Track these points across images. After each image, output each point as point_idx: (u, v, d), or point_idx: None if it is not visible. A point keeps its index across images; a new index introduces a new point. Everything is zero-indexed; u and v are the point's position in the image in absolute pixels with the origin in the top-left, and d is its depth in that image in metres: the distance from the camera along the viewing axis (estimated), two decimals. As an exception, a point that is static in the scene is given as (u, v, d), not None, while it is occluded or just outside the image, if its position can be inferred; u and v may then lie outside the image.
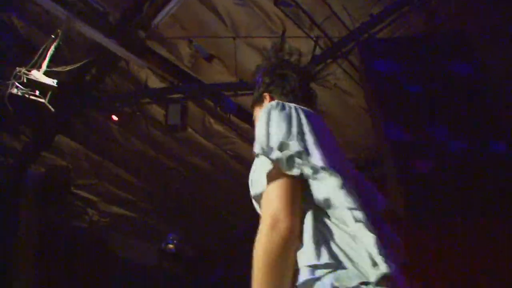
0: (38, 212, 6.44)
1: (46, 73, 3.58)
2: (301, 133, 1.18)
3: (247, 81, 4.88)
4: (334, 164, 1.12)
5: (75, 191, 7.39)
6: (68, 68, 4.13)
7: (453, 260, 5.67)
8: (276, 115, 1.25)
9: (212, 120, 6.25)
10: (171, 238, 8.07)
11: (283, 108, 1.30)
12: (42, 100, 3.47)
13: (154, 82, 5.33)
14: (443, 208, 3.42)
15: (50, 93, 3.51)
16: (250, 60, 4.75)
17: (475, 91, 3.41)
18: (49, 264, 6.69)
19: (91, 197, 7.59)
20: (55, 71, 3.86)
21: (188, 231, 8.46)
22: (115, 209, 7.95)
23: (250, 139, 6.52)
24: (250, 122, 5.67)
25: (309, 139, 1.17)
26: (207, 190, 7.03)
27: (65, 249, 7.25)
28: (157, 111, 5.93)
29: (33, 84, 3.42)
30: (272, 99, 1.57)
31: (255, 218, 1.35)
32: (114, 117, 5.72)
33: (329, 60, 4.56)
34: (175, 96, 5.16)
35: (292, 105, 1.34)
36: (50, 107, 3.49)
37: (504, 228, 4.57)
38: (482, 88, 3.43)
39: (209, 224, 8.19)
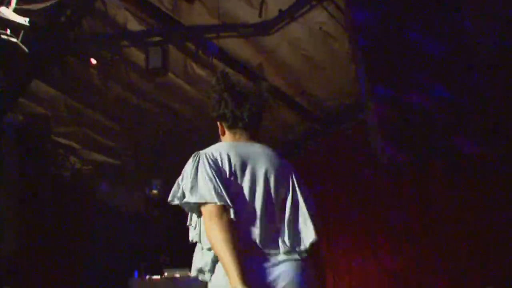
0: (19, 161, 6.39)
1: (17, 11, 3.33)
2: (194, 186, 1.88)
3: (229, 23, 4.92)
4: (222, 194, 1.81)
5: (55, 139, 7.37)
6: (40, 6, 3.97)
7: (431, 200, 5.88)
8: (187, 170, 1.98)
9: (194, 65, 6.16)
10: (155, 184, 8.13)
11: (194, 161, 1.98)
12: (14, 40, 3.23)
13: (133, 25, 5.21)
14: (421, 151, 3.70)
15: (22, 33, 3.26)
16: (233, 2, 4.75)
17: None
18: (34, 214, 6.77)
19: (72, 144, 7.57)
20: (27, 10, 3.69)
21: (173, 177, 8.63)
22: (97, 156, 7.95)
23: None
24: (234, 66, 5.73)
25: (200, 186, 1.87)
26: (190, 136, 7.00)
27: (50, 198, 7.17)
28: (137, 55, 5.85)
29: (3, 22, 3.19)
30: (222, 128, 2.12)
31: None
32: (93, 61, 5.61)
33: (314, 2, 4.50)
34: (155, 39, 5.05)
35: (202, 158, 1.96)
36: (23, 47, 3.37)
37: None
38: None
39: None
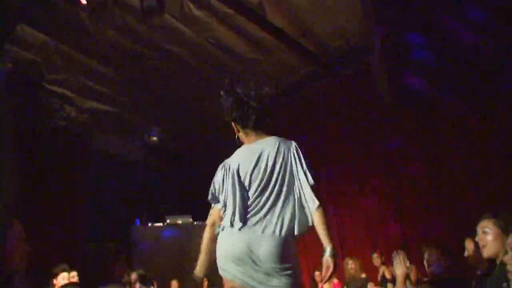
0: (12, 111, 6.21)
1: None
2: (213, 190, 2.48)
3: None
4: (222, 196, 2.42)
5: (48, 87, 7.14)
6: None
7: (434, 141, 6.09)
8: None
9: (191, 5, 5.82)
10: (154, 130, 7.96)
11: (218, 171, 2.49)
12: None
13: (126, -39, 4.92)
14: (426, 92, 3.87)
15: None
16: None
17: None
18: (29, 164, 6.66)
19: (66, 92, 7.28)
20: None
21: (171, 123, 8.22)
22: (93, 104, 7.62)
23: (232, 26, 6.20)
24: (233, 6, 5.44)
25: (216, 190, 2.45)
26: (187, 80, 6.97)
27: (45, 148, 7.12)
28: (130, -5, 5.50)
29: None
30: (237, 128, 2.51)
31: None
32: (83, 1, 5.27)
33: None
34: (150, -25, 4.73)
35: (220, 168, 2.49)
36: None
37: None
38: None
39: (192, 115, 7.93)
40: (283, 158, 2.37)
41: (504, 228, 2.33)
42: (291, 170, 2.35)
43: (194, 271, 2.46)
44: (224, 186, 2.45)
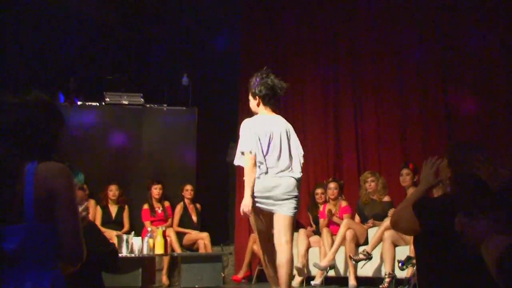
0: None
1: None
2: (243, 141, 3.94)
3: None
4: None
5: None
6: None
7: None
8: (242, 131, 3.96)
9: None
10: None
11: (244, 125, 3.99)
12: None
13: None
14: None
15: None
16: None
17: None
18: None
19: None
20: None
21: None
22: None
23: None
24: None
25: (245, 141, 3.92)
26: None
27: None
28: None
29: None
30: (259, 101, 3.98)
31: None
32: None
33: None
34: None
35: (248, 121, 3.98)
36: None
37: None
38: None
39: None
40: (288, 133, 3.96)
41: None
42: (293, 142, 3.94)
43: (248, 203, 3.77)
44: (261, 142, 3.83)
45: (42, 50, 7.40)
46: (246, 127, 3.88)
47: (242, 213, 3.80)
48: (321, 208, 6.17)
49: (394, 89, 6.56)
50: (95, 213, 6.55)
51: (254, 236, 4.37)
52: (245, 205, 3.72)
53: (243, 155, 3.82)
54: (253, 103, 3.98)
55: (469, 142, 2.78)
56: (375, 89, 6.75)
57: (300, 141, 4.03)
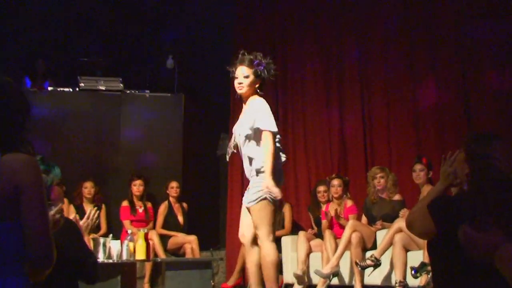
0: None
1: None
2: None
3: None
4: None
5: None
6: None
7: None
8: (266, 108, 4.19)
9: None
10: None
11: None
12: None
13: None
14: None
15: None
16: None
17: None
18: None
19: None
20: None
21: None
22: None
23: None
24: None
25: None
26: None
27: None
28: None
29: None
30: (260, 84, 4.18)
31: None
32: None
33: None
34: None
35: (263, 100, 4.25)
36: None
37: None
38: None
39: None
40: None
41: None
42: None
43: (278, 190, 3.92)
44: None
45: (5, 28, 7.39)
46: (267, 106, 4.12)
47: (276, 197, 3.92)
48: (323, 207, 6.17)
49: (406, 71, 6.59)
50: (68, 214, 6.39)
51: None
52: (278, 192, 3.90)
53: (267, 135, 3.95)
54: (251, 81, 4.08)
55: (489, 133, 2.78)
56: (384, 71, 6.73)
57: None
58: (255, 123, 4.03)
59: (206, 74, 7.63)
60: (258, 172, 3.98)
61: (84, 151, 7.18)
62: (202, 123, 7.51)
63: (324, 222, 6.05)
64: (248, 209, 4.02)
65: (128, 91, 7.46)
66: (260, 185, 3.94)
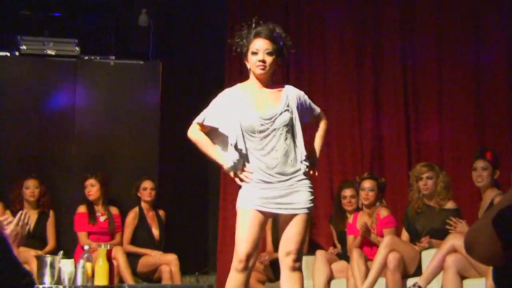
0: None
1: None
2: None
3: None
4: None
5: None
6: None
7: None
8: None
9: None
10: None
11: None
12: None
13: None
14: None
15: None
16: None
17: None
18: None
19: None
20: None
21: None
22: None
23: None
24: None
25: None
26: None
27: None
28: None
29: None
30: (277, 65, 4.34)
31: None
32: None
33: None
34: None
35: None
36: None
37: None
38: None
39: None
40: None
41: None
42: None
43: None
44: None
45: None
46: None
47: None
48: (350, 219, 6.19)
49: (467, 38, 6.69)
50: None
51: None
52: None
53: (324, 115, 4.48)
54: (274, 60, 4.20)
55: None
56: (436, 34, 6.82)
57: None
58: (314, 109, 4.35)
59: (191, 35, 7.66)
60: (304, 165, 4.11)
61: (26, 137, 7.16)
62: (186, 100, 7.42)
63: (351, 239, 6.04)
64: (286, 217, 4.08)
65: (86, 57, 7.44)
66: (311, 183, 4.13)
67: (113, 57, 7.56)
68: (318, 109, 4.41)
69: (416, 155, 6.64)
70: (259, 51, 4.08)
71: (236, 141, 4.08)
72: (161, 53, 7.51)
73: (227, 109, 4.16)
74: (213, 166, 7.52)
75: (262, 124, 4.08)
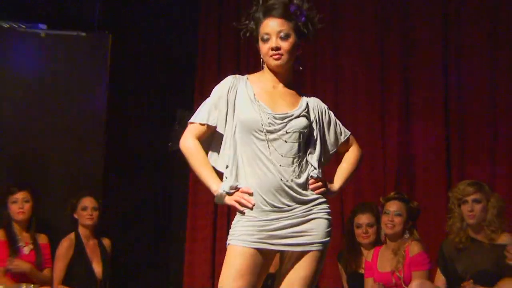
0: None
1: None
2: None
3: None
4: None
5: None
6: None
7: None
8: None
9: None
10: None
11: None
12: None
13: None
14: None
15: None
16: None
17: None
18: None
19: None
20: None
21: None
22: None
23: None
24: None
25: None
26: None
27: None
28: None
29: None
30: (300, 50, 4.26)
31: None
32: None
33: None
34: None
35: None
36: None
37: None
38: None
39: None
40: None
41: None
42: None
43: None
44: None
45: None
46: None
47: None
48: (368, 256, 6.25)
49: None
50: None
51: None
52: None
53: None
54: (293, 43, 4.07)
55: None
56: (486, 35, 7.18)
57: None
58: (342, 131, 4.33)
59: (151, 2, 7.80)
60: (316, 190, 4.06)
61: None
62: (143, 84, 7.60)
63: (369, 283, 6.11)
64: (293, 254, 3.90)
65: (6, 26, 7.56)
66: (328, 208, 4.08)
67: (45, 26, 7.65)
68: (347, 132, 4.36)
69: (458, 172, 6.75)
70: (270, 35, 3.99)
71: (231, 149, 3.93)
72: (110, 22, 7.55)
73: (228, 102, 4.00)
74: (179, 180, 7.80)
75: (270, 123, 3.92)
